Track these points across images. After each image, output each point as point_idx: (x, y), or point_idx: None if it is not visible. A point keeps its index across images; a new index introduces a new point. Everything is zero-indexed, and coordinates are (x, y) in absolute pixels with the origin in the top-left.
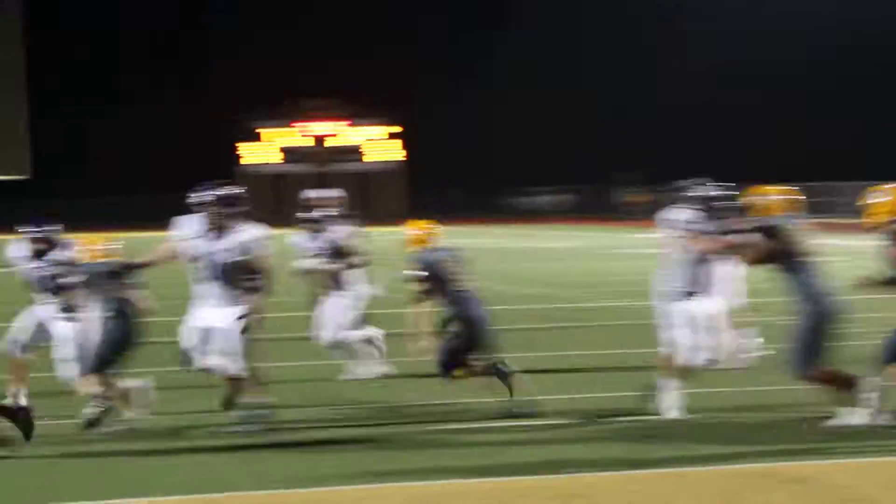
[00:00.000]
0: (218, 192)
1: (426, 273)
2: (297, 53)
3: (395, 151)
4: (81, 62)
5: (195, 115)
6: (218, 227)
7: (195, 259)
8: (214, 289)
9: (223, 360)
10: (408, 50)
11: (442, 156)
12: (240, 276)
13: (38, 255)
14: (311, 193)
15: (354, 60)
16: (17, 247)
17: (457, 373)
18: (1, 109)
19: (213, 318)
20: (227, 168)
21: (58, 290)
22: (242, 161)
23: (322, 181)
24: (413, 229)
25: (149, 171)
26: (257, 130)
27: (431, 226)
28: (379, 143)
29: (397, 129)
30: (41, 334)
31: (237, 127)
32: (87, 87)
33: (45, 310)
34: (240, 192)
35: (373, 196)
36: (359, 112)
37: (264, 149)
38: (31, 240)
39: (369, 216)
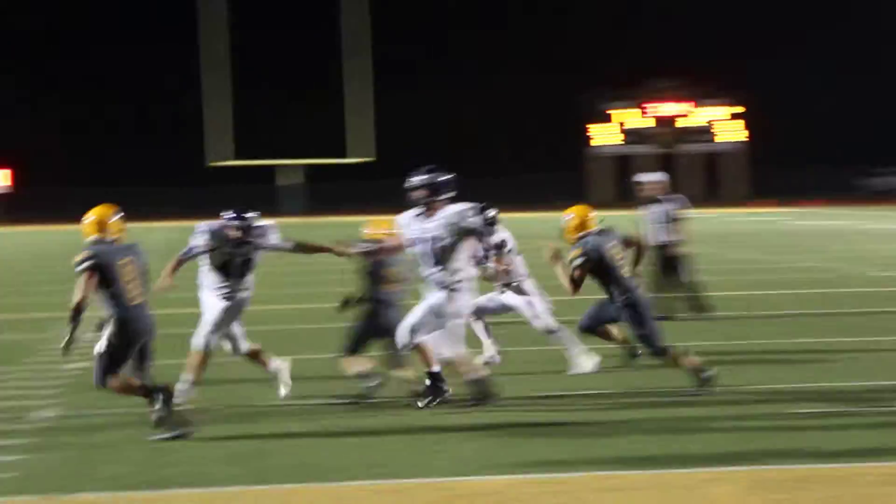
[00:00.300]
0: (426, 177)
1: (592, 258)
2: (645, 33)
3: (737, 132)
4: (419, 42)
5: (544, 95)
6: (428, 212)
7: (414, 245)
8: (429, 273)
9: (404, 328)
10: (755, 28)
11: (787, 135)
12: (449, 258)
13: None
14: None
15: (699, 40)
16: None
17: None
18: (353, 95)
19: (427, 302)
20: (578, 149)
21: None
22: (592, 143)
23: (666, 163)
24: (571, 214)
25: (494, 151)
26: (607, 111)
27: (590, 211)
28: (722, 124)
29: (739, 109)
30: None
31: (587, 107)
32: (428, 68)
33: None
34: (448, 177)
35: (718, 178)
36: (703, 93)
37: (610, 130)
38: (234, 227)
39: (715, 198)
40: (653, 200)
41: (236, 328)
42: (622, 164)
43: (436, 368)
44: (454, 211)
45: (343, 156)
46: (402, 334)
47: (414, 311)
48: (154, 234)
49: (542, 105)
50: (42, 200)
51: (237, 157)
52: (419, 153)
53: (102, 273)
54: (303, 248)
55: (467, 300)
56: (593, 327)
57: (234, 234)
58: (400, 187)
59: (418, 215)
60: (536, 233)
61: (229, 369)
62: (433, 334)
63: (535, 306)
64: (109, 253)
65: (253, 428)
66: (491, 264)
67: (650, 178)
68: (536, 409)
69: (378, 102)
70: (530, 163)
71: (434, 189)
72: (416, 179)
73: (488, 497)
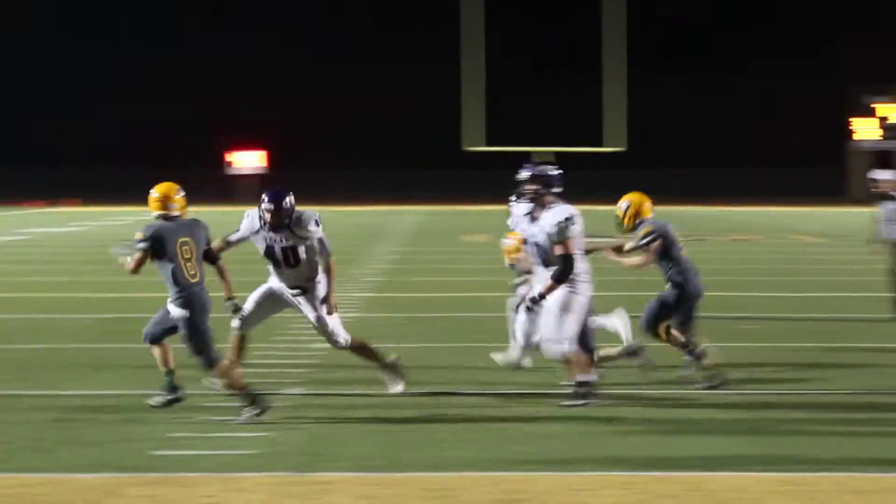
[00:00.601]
0: (534, 171)
1: (660, 233)
2: None
3: None
4: (673, 33)
5: (806, 87)
6: (537, 208)
7: (526, 242)
8: (540, 270)
9: (548, 342)
10: None
11: None
12: (553, 256)
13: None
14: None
15: None
16: None
17: (659, 332)
18: (610, 85)
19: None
20: (840, 144)
21: None
22: (855, 137)
23: None
24: (627, 202)
25: (745, 144)
26: (871, 105)
27: (646, 200)
28: None
29: None
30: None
31: (850, 101)
32: (681, 56)
33: None
34: (557, 172)
35: None
36: None
37: (871, 125)
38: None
39: None
40: (886, 197)
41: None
42: (882, 160)
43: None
44: (560, 211)
45: (599, 144)
46: (549, 350)
47: (545, 322)
48: (405, 216)
49: (804, 98)
50: (295, 182)
51: (490, 144)
52: (668, 145)
53: (160, 249)
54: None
55: (587, 293)
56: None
57: (266, 217)
58: (650, 178)
59: (528, 213)
60: (791, 227)
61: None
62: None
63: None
64: (170, 230)
65: (494, 411)
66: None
67: (884, 175)
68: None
69: (631, 93)
70: (788, 156)
71: (544, 183)
72: (525, 173)
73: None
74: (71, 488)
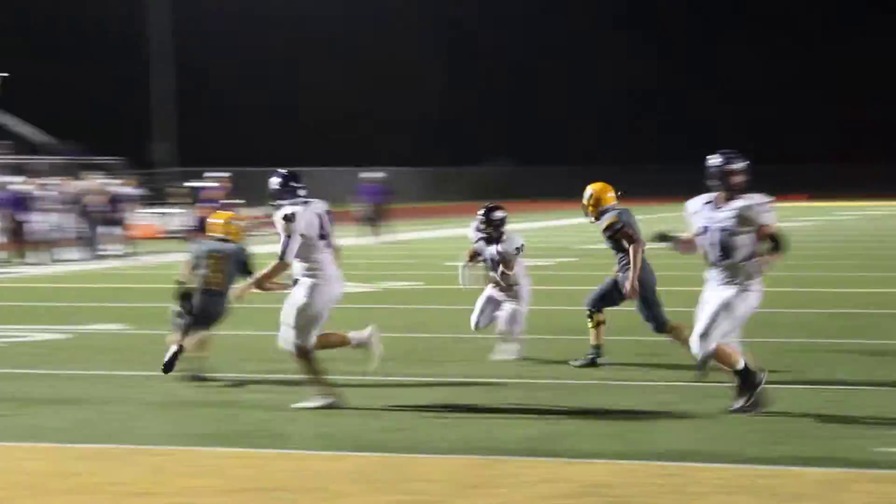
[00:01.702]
0: (721, 160)
1: (625, 221)
2: None
3: None
4: None
5: None
6: (722, 198)
7: (700, 235)
8: (715, 264)
9: (697, 339)
10: None
11: None
12: (737, 249)
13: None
14: None
15: None
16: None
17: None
18: None
19: (712, 298)
20: None
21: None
22: None
23: None
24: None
25: None
26: None
27: (609, 189)
28: None
29: None
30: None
31: None
32: None
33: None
34: (744, 163)
35: None
36: None
37: None
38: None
39: None
40: None
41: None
42: None
43: (740, 365)
44: (750, 201)
45: None
46: (696, 343)
47: (703, 314)
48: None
49: None
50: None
51: None
52: None
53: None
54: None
55: (757, 297)
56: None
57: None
58: None
59: (708, 202)
60: None
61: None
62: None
63: (517, 317)
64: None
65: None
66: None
67: None
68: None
69: None
70: None
71: (730, 175)
72: (712, 163)
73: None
74: (800, 481)
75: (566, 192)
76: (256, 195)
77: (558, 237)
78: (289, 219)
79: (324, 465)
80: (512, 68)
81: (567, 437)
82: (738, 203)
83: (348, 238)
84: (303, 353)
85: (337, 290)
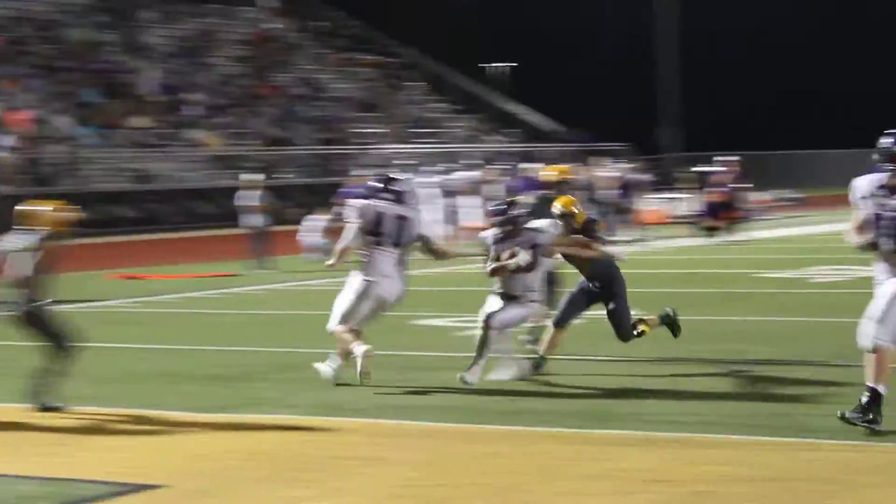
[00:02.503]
0: (893, 141)
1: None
2: None
3: None
4: None
5: None
6: (891, 182)
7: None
8: (889, 256)
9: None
10: None
11: None
12: None
13: None
14: None
15: None
16: None
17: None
18: None
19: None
20: None
21: None
22: None
23: None
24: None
25: None
26: None
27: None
28: None
29: None
30: None
31: None
32: None
33: None
34: None
35: None
36: None
37: None
38: None
39: None
40: None
41: None
42: None
43: (882, 389)
44: None
45: None
46: (870, 330)
47: (876, 303)
48: None
49: None
50: None
51: None
52: None
53: None
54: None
55: None
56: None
57: None
58: None
59: (882, 187)
60: None
61: None
62: None
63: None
64: None
65: None
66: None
67: None
68: None
69: None
70: None
71: None
72: (885, 143)
73: None
74: None
75: None
76: (769, 179)
77: None
78: None
79: (847, 456)
80: None
81: None
82: None
83: None
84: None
85: None
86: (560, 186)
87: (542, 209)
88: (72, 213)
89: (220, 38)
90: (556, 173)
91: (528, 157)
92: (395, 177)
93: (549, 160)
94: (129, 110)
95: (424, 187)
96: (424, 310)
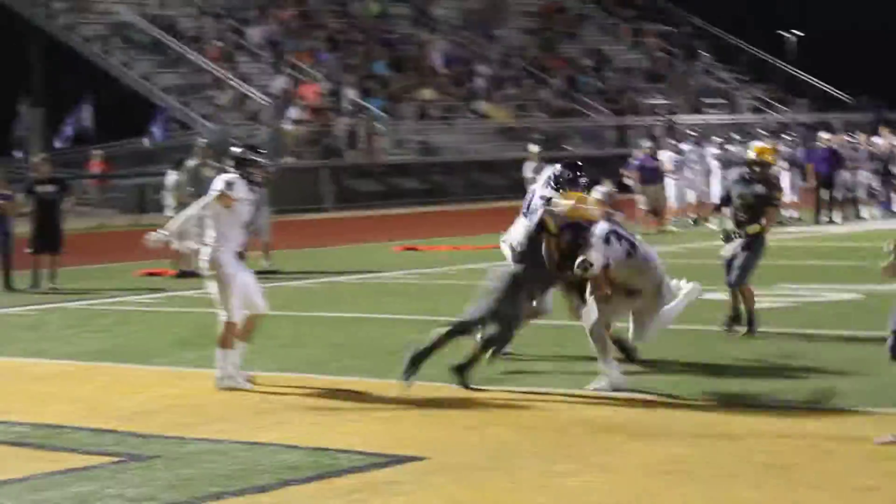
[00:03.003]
0: None
1: None
2: None
3: None
4: None
5: None
6: None
7: None
8: None
9: None
10: None
11: None
12: None
13: None
14: None
15: None
16: None
17: None
18: None
19: None
20: None
21: None
22: None
23: None
24: None
25: None
26: None
27: None
28: None
29: None
30: None
31: None
32: None
33: None
34: None
35: None
36: None
37: None
38: None
39: None
40: None
41: None
42: None
43: None
44: None
45: None
46: None
47: None
48: None
49: None
50: None
51: None
52: None
53: None
54: None
55: None
56: None
57: None
58: None
59: None
60: None
61: None
62: None
63: None
64: None
65: None
66: None
67: None
68: None
69: None
70: None
71: None
72: None
73: None
74: None
75: None
76: None
77: None
78: None
79: None
80: None
81: None
82: None
83: None
84: None
85: None
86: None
87: None
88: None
89: (510, 9)
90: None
91: (824, 128)
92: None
93: (840, 130)
94: (417, 83)
95: (706, 158)
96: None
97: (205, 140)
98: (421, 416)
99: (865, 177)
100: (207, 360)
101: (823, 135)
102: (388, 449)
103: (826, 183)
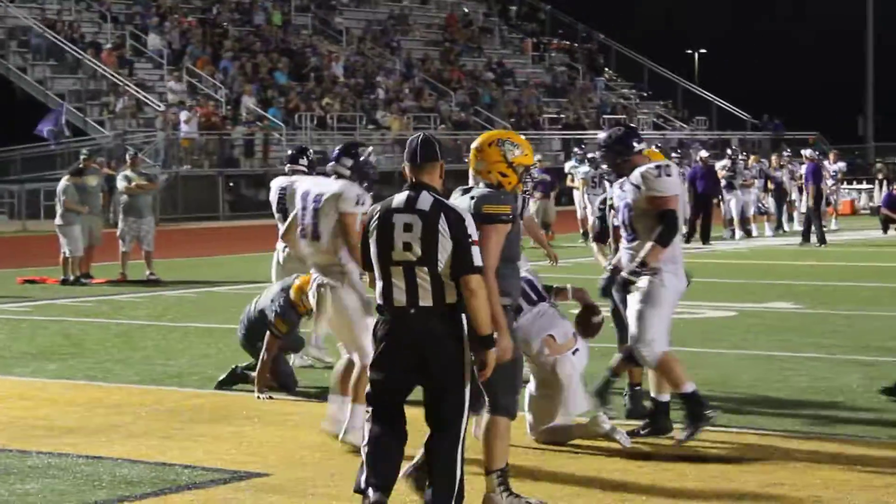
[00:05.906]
0: None
1: None
2: None
3: None
4: None
5: None
6: None
7: None
8: None
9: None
10: None
11: None
12: None
13: None
14: None
15: None
16: None
17: None
18: None
19: None
20: None
21: None
22: None
23: None
24: None
25: None
26: None
27: None
28: None
29: None
30: None
31: None
32: None
33: None
34: None
35: None
36: None
37: None
38: None
39: None
40: None
41: None
42: None
43: None
44: None
45: None
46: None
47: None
48: None
49: None
50: None
51: None
52: None
53: None
54: None
55: None
56: None
57: None
58: None
59: None
60: None
61: None
62: None
63: None
64: None
65: None
66: None
67: None
68: None
69: None
70: None
71: None
72: None
73: None
74: None
75: None
76: None
77: None
78: None
79: None
80: None
81: None
82: None
83: None
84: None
85: None
86: None
87: None
88: None
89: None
90: None
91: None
92: None
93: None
94: (318, 93)
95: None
96: None
97: (87, 151)
98: (272, 431)
99: (755, 195)
100: (69, 370)
101: (702, 153)
102: (233, 465)
103: (701, 202)
